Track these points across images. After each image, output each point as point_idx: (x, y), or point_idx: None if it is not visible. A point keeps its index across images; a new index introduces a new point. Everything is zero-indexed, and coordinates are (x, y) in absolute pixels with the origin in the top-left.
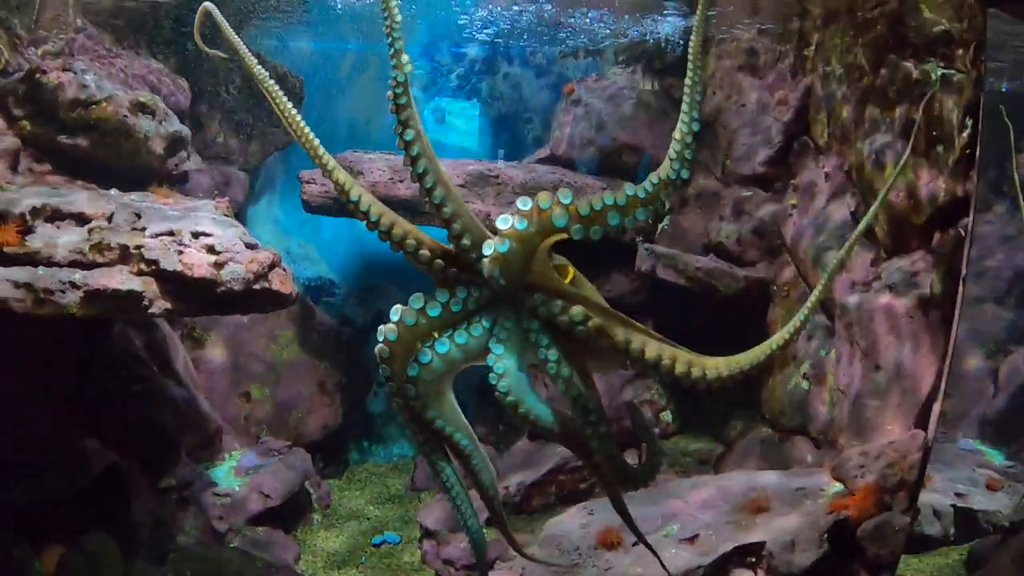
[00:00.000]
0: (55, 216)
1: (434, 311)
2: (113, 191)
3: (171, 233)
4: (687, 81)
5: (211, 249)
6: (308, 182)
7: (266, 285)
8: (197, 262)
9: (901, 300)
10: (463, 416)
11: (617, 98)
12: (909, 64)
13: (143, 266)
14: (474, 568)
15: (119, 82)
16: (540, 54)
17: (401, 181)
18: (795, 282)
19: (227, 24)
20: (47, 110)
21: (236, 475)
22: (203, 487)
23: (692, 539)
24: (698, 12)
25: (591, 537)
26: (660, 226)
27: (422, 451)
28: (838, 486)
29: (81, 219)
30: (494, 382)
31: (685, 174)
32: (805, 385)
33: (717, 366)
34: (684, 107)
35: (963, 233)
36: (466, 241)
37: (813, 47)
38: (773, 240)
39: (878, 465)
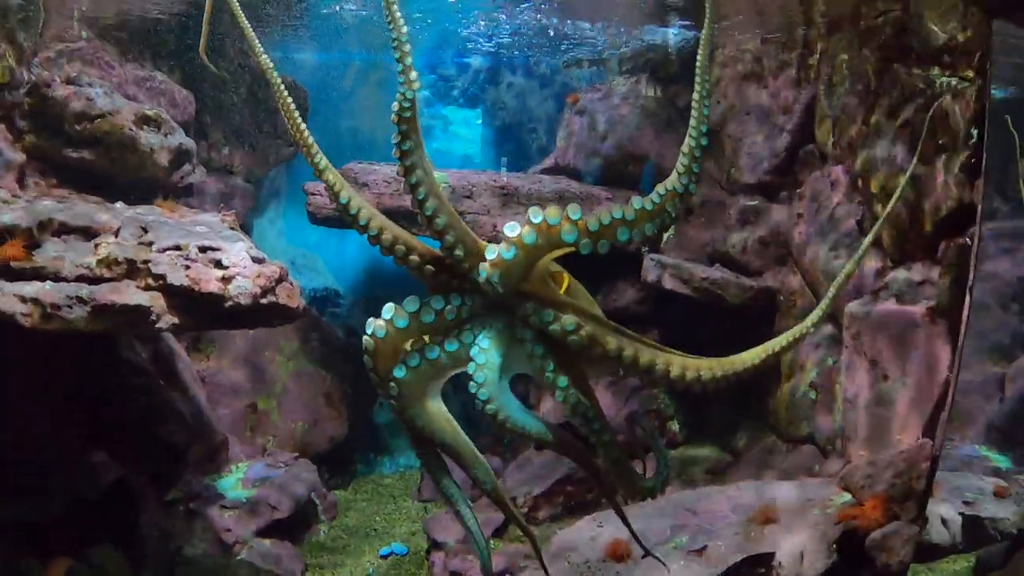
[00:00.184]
0: (62, 230)
1: (428, 318)
2: (119, 204)
3: (178, 248)
4: (695, 95)
5: (219, 264)
6: (314, 194)
7: (273, 299)
8: (205, 277)
9: (908, 309)
10: (452, 419)
11: (621, 108)
12: (914, 73)
13: (150, 281)
14: None
15: (124, 95)
16: (544, 64)
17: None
18: (801, 291)
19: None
20: (53, 124)
21: (243, 487)
22: (210, 499)
23: (701, 551)
24: (705, 28)
25: (600, 549)
26: (665, 235)
27: (417, 455)
28: (846, 496)
29: (88, 233)
30: (474, 390)
31: (692, 188)
32: (812, 394)
33: (711, 367)
34: (692, 121)
35: (970, 242)
36: (459, 252)
37: (818, 55)
38: (779, 249)
39: (886, 475)
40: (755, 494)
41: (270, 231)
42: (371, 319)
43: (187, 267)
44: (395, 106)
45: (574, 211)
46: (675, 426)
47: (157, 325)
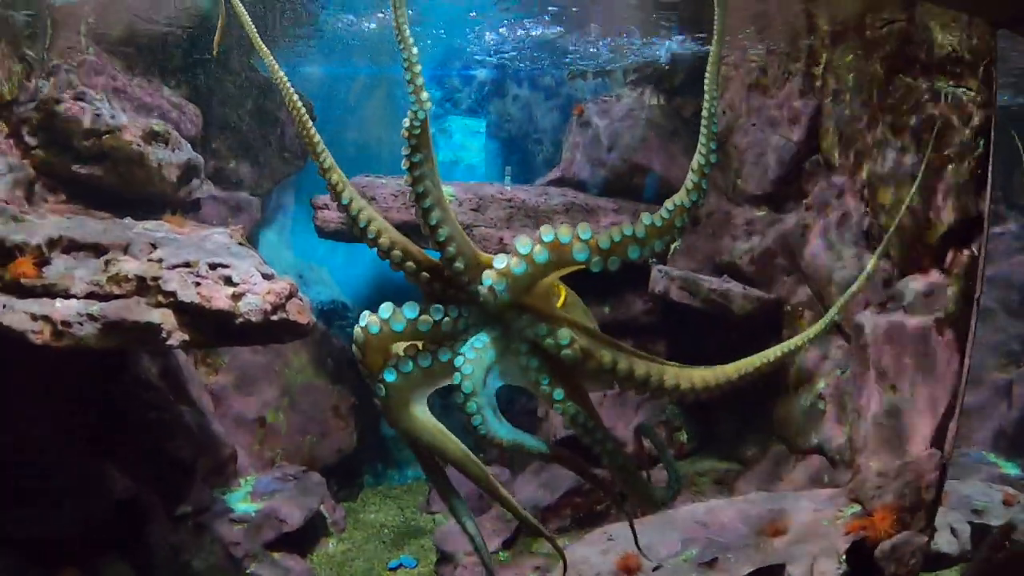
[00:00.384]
0: (71, 247)
1: (424, 327)
2: (127, 220)
3: (188, 265)
4: (704, 112)
5: (228, 280)
6: (322, 208)
7: (284, 316)
8: (215, 294)
9: (916, 319)
10: (437, 422)
11: (627, 119)
12: (919, 83)
13: (160, 298)
14: None
15: (132, 110)
16: (549, 76)
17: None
18: (808, 302)
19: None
20: (61, 139)
21: (252, 500)
22: (219, 513)
23: (712, 563)
24: (713, 45)
25: (611, 563)
26: (672, 247)
27: (418, 461)
28: (856, 507)
29: (97, 250)
30: (460, 400)
31: (701, 203)
32: (821, 405)
33: (704, 376)
34: (702, 139)
35: (977, 252)
36: (459, 264)
37: (822, 66)
38: (786, 260)
39: (896, 485)
40: (765, 506)
41: (277, 244)
42: (366, 312)
43: (197, 284)
44: (406, 123)
45: (584, 231)
46: (683, 437)
47: (168, 342)
